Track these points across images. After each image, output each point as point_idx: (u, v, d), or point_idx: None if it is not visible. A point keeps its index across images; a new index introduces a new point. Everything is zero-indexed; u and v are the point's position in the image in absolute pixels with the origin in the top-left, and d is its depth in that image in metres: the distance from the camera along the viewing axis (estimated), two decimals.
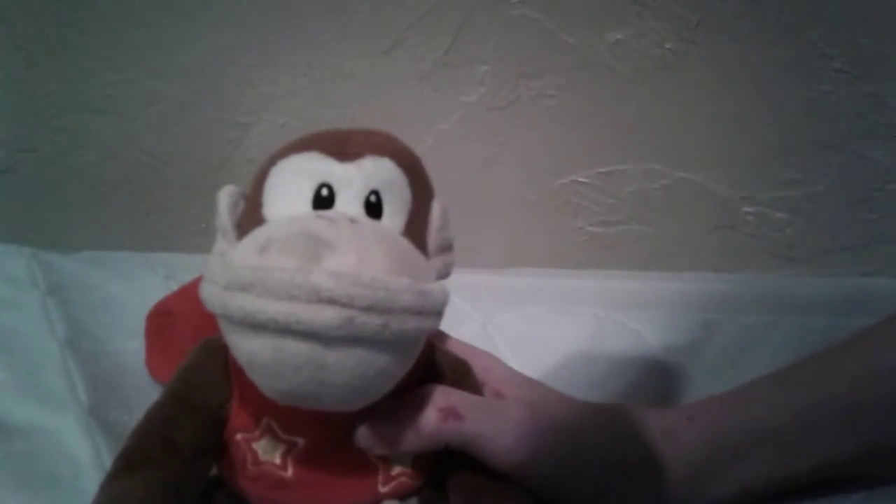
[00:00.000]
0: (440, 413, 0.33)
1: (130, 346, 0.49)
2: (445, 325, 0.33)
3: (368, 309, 0.28)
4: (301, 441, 0.34)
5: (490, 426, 0.33)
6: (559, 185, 0.69)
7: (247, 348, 0.29)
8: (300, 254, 0.28)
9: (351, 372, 0.28)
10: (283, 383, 0.29)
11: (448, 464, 0.35)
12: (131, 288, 0.57)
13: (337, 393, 0.29)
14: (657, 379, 0.48)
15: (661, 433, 0.36)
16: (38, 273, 0.57)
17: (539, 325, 0.53)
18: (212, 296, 0.29)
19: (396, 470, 0.35)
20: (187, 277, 0.58)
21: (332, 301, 0.27)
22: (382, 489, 0.35)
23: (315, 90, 0.70)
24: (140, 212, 0.74)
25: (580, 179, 0.69)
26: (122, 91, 0.72)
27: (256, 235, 0.31)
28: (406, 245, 0.32)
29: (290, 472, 0.34)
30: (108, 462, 0.39)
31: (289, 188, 0.33)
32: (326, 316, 0.27)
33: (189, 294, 0.49)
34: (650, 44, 0.64)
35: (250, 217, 0.33)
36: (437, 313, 0.31)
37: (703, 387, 0.45)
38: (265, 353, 0.28)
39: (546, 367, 0.48)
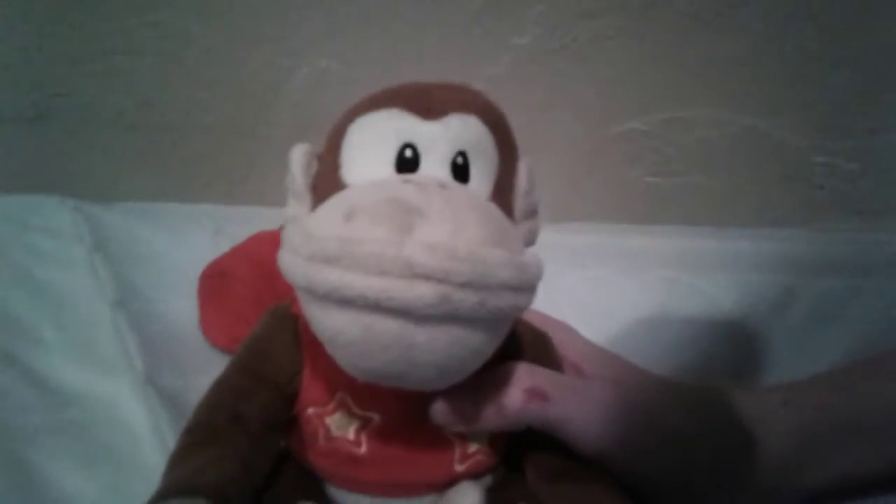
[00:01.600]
0: (525, 393, 0.31)
1: (182, 305, 0.48)
2: None
3: (465, 285, 0.25)
4: (376, 417, 0.32)
5: (577, 409, 0.31)
6: (616, 133, 0.66)
7: (331, 324, 0.27)
8: (391, 223, 0.26)
9: (442, 351, 0.26)
10: (368, 362, 0.27)
11: (525, 440, 0.34)
12: (178, 242, 0.55)
13: (425, 372, 0.27)
14: (734, 349, 0.46)
15: (754, 417, 0.34)
16: (84, 226, 0.55)
17: (605, 288, 0.50)
18: (293, 267, 0.27)
19: (473, 448, 0.33)
20: (235, 231, 0.56)
21: (427, 276, 0.25)
22: (458, 467, 0.33)
23: (358, 31, 0.67)
24: (179, 160, 0.71)
25: (639, 127, 0.65)
26: (157, 33, 0.68)
27: (339, 202, 0.28)
28: (497, 212, 0.30)
29: (363, 449, 0.32)
30: (167, 432, 0.39)
31: (369, 148, 0.31)
32: (421, 292, 0.25)
33: (244, 254, 0.48)
34: None
35: (327, 180, 0.31)
36: (533, 288, 0.29)
37: (785, 358, 0.43)
38: (352, 330, 0.26)
39: (614, 334, 0.46)
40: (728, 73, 0.63)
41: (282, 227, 0.30)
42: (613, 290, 0.51)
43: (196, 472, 0.29)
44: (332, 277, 0.25)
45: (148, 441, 0.38)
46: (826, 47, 0.60)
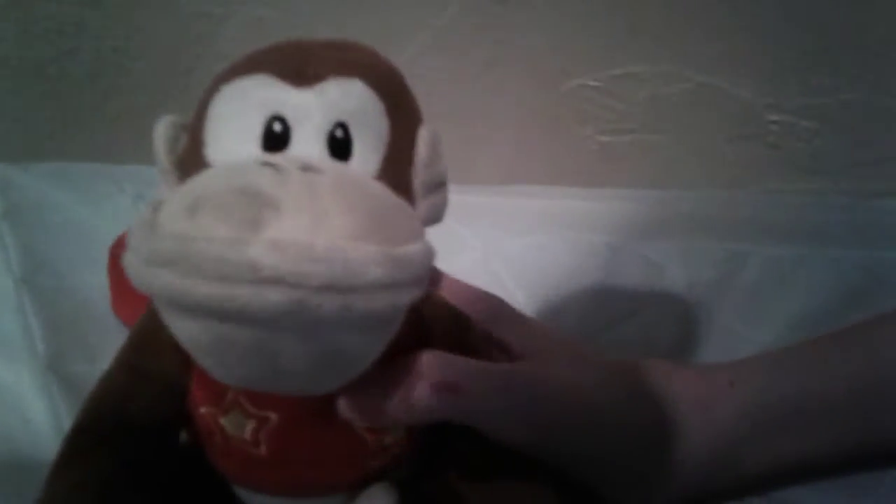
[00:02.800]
0: (434, 387, 0.29)
1: (95, 281, 0.45)
2: (441, 255, 0.27)
3: (324, 288, 0.22)
4: (274, 416, 0.29)
5: (494, 401, 0.29)
6: (567, 90, 0.63)
7: (182, 332, 0.24)
8: (236, 218, 0.22)
9: (311, 360, 0.23)
10: (229, 371, 0.24)
11: (445, 428, 0.31)
12: (96, 210, 0.52)
13: (297, 380, 0.24)
14: (679, 320, 0.44)
15: (694, 400, 0.32)
16: None
17: (547, 255, 0.48)
18: (133, 270, 0.23)
19: (388, 440, 0.31)
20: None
21: (276, 281, 0.21)
22: (371, 463, 0.31)
23: None
24: (101, 117, 0.67)
25: (590, 83, 0.63)
26: None
27: (187, 191, 0.24)
28: (380, 192, 0.26)
29: (262, 449, 0.30)
30: (67, 425, 0.36)
31: (234, 122, 0.27)
32: (270, 300, 0.21)
33: None
34: None
35: (191, 159, 0.27)
36: (417, 282, 0.25)
37: (730, 329, 0.41)
38: (203, 339, 0.23)
39: (555, 304, 0.44)
40: (683, 27, 0.60)
41: None
42: (555, 257, 0.48)
43: (74, 490, 0.27)
44: (171, 283, 0.22)
45: (46, 434, 0.36)
46: (782, 4, 0.58)
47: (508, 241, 0.49)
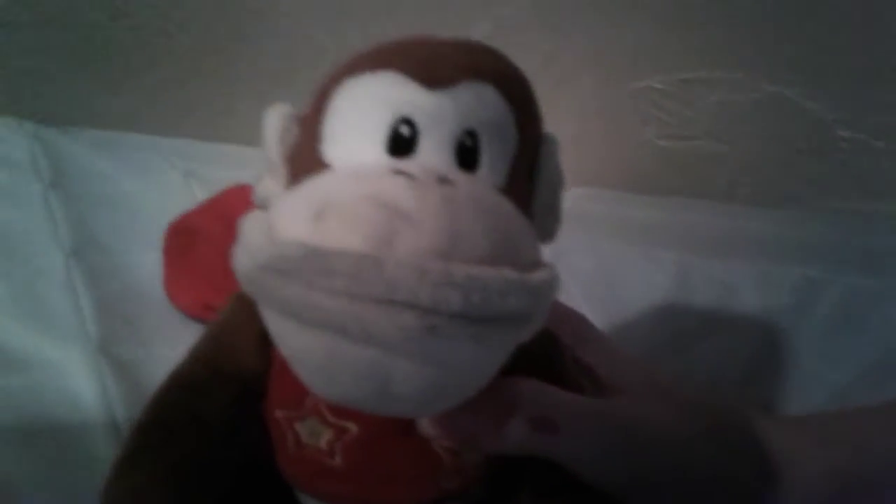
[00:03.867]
0: (531, 423, 0.27)
1: (146, 259, 0.43)
2: None
3: (458, 315, 0.20)
4: (353, 427, 0.28)
5: (588, 444, 0.28)
6: (632, 90, 0.61)
7: (290, 344, 0.22)
8: (368, 230, 0.21)
9: (425, 386, 0.22)
10: (335, 389, 0.22)
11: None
12: (146, 184, 0.50)
13: (404, 405, 0.22)
14: (753, 346, 0.42)
15: (785, 453, 0.30)
16: (41, 158, 0.50)
17: (613, 267, 0.46)
18: (247, 275, 0.22)
19: (466, 462, 0.29)
20: (208, 173, 0.52)
21: (409, 304, 0.20)
22: (446, 484, 0.29)
23: None
24: (152, 84, 0.66)
25: (656, 86, 0.60)
26: None
27: (310, 193, 0.23)
28: (510, 212, 0.24)
29: (337, 460, 0.28)
30: (118, 409, 0.35)
31: (357, 121, 0.25)
32: (401, 323, 0.20)
33: (217, 210, 0.43)
34: None
35: (306, 154, 0.26)
36: (544, 314, 0.24)
37: (805, 364, 0.39)
38: (315, 353, 0.21)
39: (622, 319, 0.42)
40: (756, 35, 0.58)
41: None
42: (622, 269, 0.46)
43: (146, 485, 0.26)
44: (292, 294, 0.21)
45: (96, 418, 0.34)
46: (860, 19, 0.55)
47: (573, 250, 0.47)
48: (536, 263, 0.24)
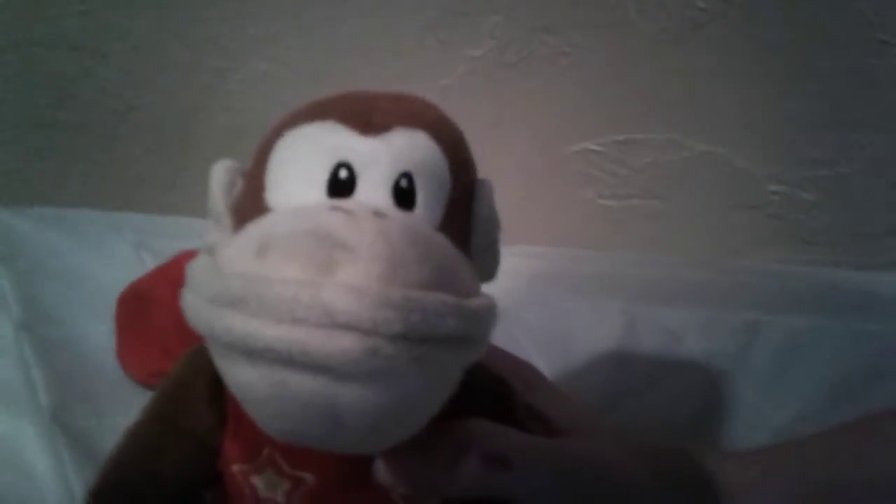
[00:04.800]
0: (483, 459, 0.28)
1: (98, 330, 0.43)
2: None
3: (398, 337, 0.21)
4: (309, 477, 0.28)
5: (541, 480, 0.28)
6: (570, 153, 0.63)
7: (239, 379, 0.23)
8: (308, 260, 0.21)
9: (372, 413, 0.22)
10: (284, 423, 0.23)
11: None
12: (97, 256, 0.50)
13: (353, 436, 0.23)
14: (700, 392, 0.43)
15: (729, 487, 0.31)
16: None
17: (565, 321, 0.47)
18: (194, 310, 0.23)
19: None
20: (159, 244, 0.52)
21: (350, 326, 0.21)
22: None
23: (303, 34, 0.63)
24: (102, 162, 0.66)
25: (593, 147, 0.63)
26: (85, 23, 0.63)
27: (253, 232, 0.24)
28: (445, 245, 0.25)
29: None
30: (73, 479, 0.35)
31: (298, 167, 0.26)
32: (342, 346, 0.20)
33: (168, 276, 0.43)
34: (682, 2, 0.58)
35: (250, 202, 0.27)
36: (485, 338, 0.25)
37: (751, 403, 0.41)
38: (261, 387, 0.22)
39: (573, 369, 0.43)
40: (685, 96, 0.61)
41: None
42: (571, 321, 0.48)
43: None
44: (237, 325, 0.21)
45: (51, 489, 0.34)
46: (785, 77, 0.59)
47: (525, 307, 0.48)
48: (474, 293, 0.25)
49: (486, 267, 0.29)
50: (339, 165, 0.26)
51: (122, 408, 0.36)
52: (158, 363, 0.38)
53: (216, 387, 0.29)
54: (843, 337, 0.45)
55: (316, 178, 0.26)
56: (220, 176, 0.27)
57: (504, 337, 0.42)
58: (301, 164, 0.26)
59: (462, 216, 0.28)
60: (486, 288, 0.27)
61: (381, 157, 0.26)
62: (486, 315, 0.24)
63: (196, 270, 0.24)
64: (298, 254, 0.22)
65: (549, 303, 0.48)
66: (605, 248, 0.63)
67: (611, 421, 0.34)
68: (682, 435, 0.41)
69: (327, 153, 0.26)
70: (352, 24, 0.62)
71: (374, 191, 0.26)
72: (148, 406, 0.30)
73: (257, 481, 0.29)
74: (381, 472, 0.28)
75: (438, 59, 0.62)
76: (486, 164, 0.65)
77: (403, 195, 0.26)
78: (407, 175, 0.26)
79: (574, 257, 0.56)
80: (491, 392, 0.31)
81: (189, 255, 0.45)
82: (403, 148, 0.26)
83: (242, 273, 0.22)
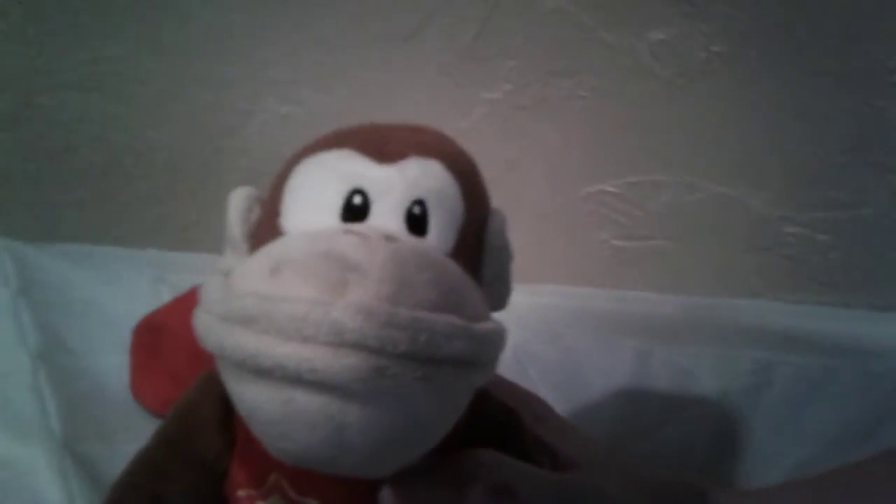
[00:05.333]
0: (490, 491, 0.27)
1: (112, 362, 0.44)
2: None
3: (405, 356, 0.21)
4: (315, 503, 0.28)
5: None
6: (585, 194, 0.64)
7: (247, 398, 0.23)
8: (320, 280, 0.22)
9: (379, 434, 0.22)
10: (291, 444, 0.23)
11: None
12: (115, 290, 0.51)
13: (359, 458, 0.23)
14: (713, 430, 0.42)
15: None
16: (10, 267, 0.51)
17: (575, 356, 0.47)
18: (206, 328, 0.23)
19: None
20: (177, 280, 0.53)
21: (358, 345, 0.21)
22: None
23: (324, 78, 0.64)
24: (125, 201, 0.68)
25: (608, 189, 0.63)
26: (110, 68, 0.65)
27: (267, 253, 0.25)
28: (456, 271, 0.25)
29: None
30: None
31: (314, 193, 0.27)
32: (350, 364, 0.21)
33: (184, 307, 0.43)
34: (695, 46, 0.59)
35: (266, 228, 0.28)
36: (492, 362, 0.25)
37: (767, 440, 0.40)
38: (270, 406, 0.22)
39: (585, 406, 0.43)
40: (699, 138, 0.61)
41: None
42: (583, 357, 0.47)
43: None
44: (247, 342, 0.22)
45: None
46: (800, 119, 0.59)
47: (534, 341, 0.48)
48: (483, 317, 0.25)
49: (497, 295, 0.29)
50: (354, 192, 0.26)
51: (134, 437, 0.36)
52: (170, 392, 0.39)
53: (226, 411, 0.29)
54: (856, 378, 0.44)
55: (331, 203, 0.26)
56: (238, 202, 0.28)
57: (515, 372, 0.42)
58: (316, 189, 0.27)
59: (474, 244, 0.28)
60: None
61: (395, 185, 0.27)
62: (495, 339, 0.25)
63: (209, 290, 0.24)
64: (312, 274, 0.22)
65: (560, 339, 0.48)
66: (619, 287, 0.62)
67: (620, 456, 0.34)
68: (694, 471, 0.41)
69: (342, 179, 0.27)
70: (372, 68, 0.63)
71: (387, 217, 0.26)
72: (158, 430, 0.30)
73: None
74: (387, 501, 0.28)
75: (455, 102, 0.63)
76: (502, 206, 0.65)
77: (416, 222, 0.27)
78: (420, 202, 0.27)
79: (587, 295, 0.56)
80: (499, 422, 0.31)
81: None
82: (417, 176, 0.27)
83: (255, 292, 0.22)
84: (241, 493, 0.29)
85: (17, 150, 0.67)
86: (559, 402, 0.38)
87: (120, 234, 0.64)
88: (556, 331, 0.49)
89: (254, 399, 0.23)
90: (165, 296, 0.50)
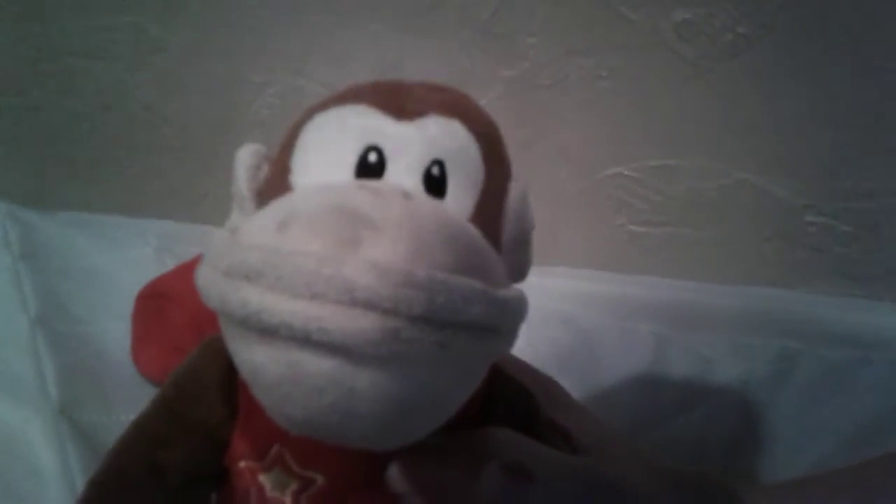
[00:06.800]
0: (505, 470, 0.26)
1: (114, 328, 0.43)
2: None
3: (421, 319, 0.20)
4: (319, 478, 0.27)
5: (562, 495, 0.27)
6: (603, 178, 0.62)
7: (250, 359, 0.21)
8: (331, 235, 0.20)
9: (389, 402, 0.21)
10: (296, 409, 0.21)
11: None
12: (119, 259, 0.50)
13: (367, 427, 0.21)
14: (732, 419, 0.41)
15: None
16: (12, 232, 0.50)
17: (591, 341, 0.45)
18: (208, 283, 0.22)
19: None
20: (182, 250, 0.52)
21: (370, 305, 0.19)
22: None
23: (339, 51, 0.63)
24: (133, 172, 0.66)
25: (626, 173, 0.62)
26: (123, 36, 0.64)
27: (275, 207, 0.23)
28: (475, 235, 0.24)
29: None
30: (77, 474, 0.33)
31: (327, 150, 0.25)
32: (362, 325, 0.19)
33: (187, 274, 0.42)
34: (721, 27, 0.57)
35: (275, 185, 0.26)
36: (513, 331, 0.24)
37: (788, 432, 0.39)
38: (274, 368, 0.21)
39: (601, 392, 0.41)
40: (722, 123, 0.59)
41: None
42: (599, 341, 0.46)
43: None
44: (252, 298, 0.20)
45: (54, 484, 0.33)
46: (826, 105, 0.58)
47: (552, 325, 0.46)
48: (503, 284, 0.24)
49: (517, 264, 0.27)
50: (369, 149, 0.25)
51: (133, 405, 0.35)
52: (173, 361, 0.37)
53: (229, 377, 0.28)
54: (881, 370, 0.43)
55: (344, 160, 0.25)
56: (247, 158, 0.27)
57: (528, 355, 0.41)
58: (329, 145, 0.25)
59: (494, 210, 0.26)
60: None
61: (412, 143, 0.25)
62: (516, 306, 0.23)
63: (214, 244, 0.23)
64: (322, 229, 0.21)
65: (576, 321, 0.47)
66: (637, 272, 0.61)
67: (637, 444, 0.33)
68: (711, 463, 0.39)
69: (357, 136, 0.25)
70: (388, 42, 0.62)
71: (403, 176, 0.25)
72: (157, 396, 0.29)
73: (265, 480, 0.27)
74: (395, 478, 0.26)
75: (471, 79, 0.61)
76: None
77: (434, 183, 0.25)
78: (439, 163, 0.25)
79: (604, 279, 0.54)
80: (515, 402, 0.30)
81: None
82: (437, 135, 0.25)
83: (262, 245, 0.21)
84: (242, 464, 0.28)
85: (24, 117, 0.66)
86: (573, 387, 0.37)
87: (126, 205, 0.63)
88: (572, 314, 0.48)
89: (258, 360, 0.21)
90: (170, 265, 0.49)
